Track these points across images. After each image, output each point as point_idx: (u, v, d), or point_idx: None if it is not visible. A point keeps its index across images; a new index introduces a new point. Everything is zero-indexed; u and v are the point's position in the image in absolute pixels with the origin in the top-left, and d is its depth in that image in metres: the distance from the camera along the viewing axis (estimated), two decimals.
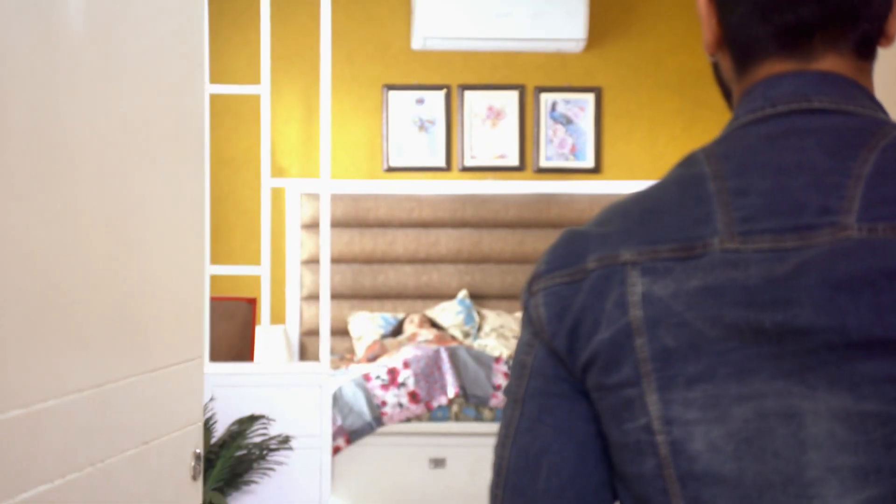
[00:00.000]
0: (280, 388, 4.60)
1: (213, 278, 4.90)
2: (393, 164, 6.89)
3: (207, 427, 4.42)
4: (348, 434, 5.66)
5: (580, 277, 1.23)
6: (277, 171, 6.68)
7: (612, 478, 1.26)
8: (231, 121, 6.59)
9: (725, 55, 1.31)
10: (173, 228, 2.33)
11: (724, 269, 1.17)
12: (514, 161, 6.96)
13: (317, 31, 5.98)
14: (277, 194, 6.67)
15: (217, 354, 4.79)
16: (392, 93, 6.86)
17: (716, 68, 1.35)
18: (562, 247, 1.27)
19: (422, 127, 6.89)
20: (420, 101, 6.88)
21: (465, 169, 6.93)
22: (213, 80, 5.77)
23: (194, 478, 2.30)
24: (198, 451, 2.32)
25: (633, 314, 1.19)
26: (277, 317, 6.66)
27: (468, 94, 6.91)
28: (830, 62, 1.24)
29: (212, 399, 4.48)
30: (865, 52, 1.26)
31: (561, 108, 6.96)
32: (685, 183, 1.23)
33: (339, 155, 6.78)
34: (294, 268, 6.78)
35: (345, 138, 6.84)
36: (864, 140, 1.19)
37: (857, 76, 1.25)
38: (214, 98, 5.36)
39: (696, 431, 1.17)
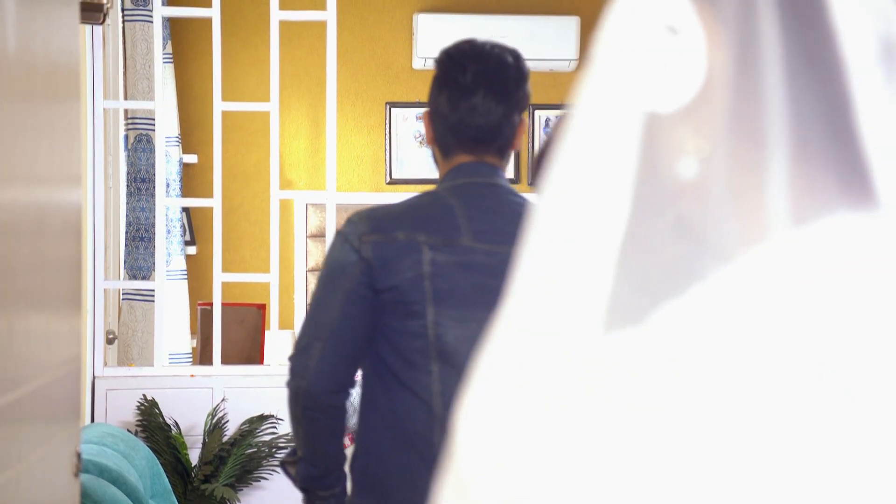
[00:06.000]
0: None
1: (225, 285, 4.77)
2: (395, 176, 6.91)
3: (219, 426, 4.40)
4: (351, 433, 5.82)
5: (390, 241, 2.28)
6: (286, 184, 6.67)
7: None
8: (242, 136, 6.58)
9: (436, 147, 2.42)
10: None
11: (468, 254, 2.28)
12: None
13: (323, 51, 5.72)
14: (286, 205, 6.61)
15: (228, 357, 4.74)
16: (394, 110, 6.89)
17: (433, 153, 2.43)
18: (373, 220, 2.30)
19: (422, 142, 6.89)
20: (421, 118, 6.85)
21: None
22: (225, 97, 5.56)
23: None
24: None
25: (426, 268, 2.27)
26: (286, 322, 6.55)
27: None
28: (490, 158, 2.38)
29: (223, 400, 4.48)
30: (502, 155, 2.40)
31: (554, 125, 7.08)
32: (442, 207, 2.32)
33: (344, 168, 6.81)
34: (301, 275, 6.71)
35: (349, 152, 6.86)
36: (517, 200, 2.36)
37: (501, 166, 2.40)
38: (226, 114, 5.26)
39: (449, 331, 2.27)
